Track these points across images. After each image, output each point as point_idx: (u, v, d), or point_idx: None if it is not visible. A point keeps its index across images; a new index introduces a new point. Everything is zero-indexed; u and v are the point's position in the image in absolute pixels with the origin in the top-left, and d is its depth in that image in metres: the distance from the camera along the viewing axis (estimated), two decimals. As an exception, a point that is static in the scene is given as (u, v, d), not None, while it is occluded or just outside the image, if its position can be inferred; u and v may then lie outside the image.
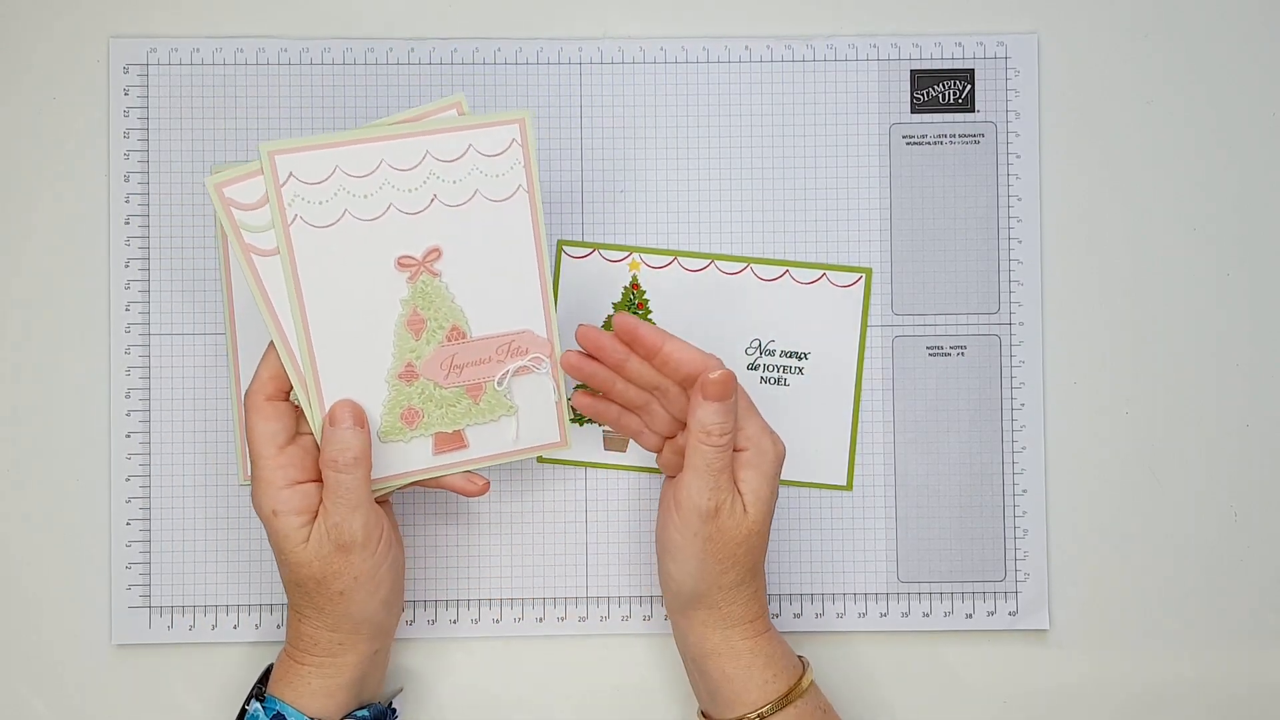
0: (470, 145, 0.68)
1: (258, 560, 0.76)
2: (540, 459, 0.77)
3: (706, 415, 0.67)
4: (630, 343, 0.69)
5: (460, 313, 0.69)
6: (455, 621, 0.77)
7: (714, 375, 0.66)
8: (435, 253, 0.68)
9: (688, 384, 0.68)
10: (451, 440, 0.70)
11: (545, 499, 0.77)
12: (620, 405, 0.72)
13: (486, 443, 0.70)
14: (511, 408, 0.70)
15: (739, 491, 0.68)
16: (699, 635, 0.70)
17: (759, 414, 0.70)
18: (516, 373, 0.70)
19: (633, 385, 0.70)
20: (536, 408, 0.71)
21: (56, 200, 0.77)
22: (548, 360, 0.70)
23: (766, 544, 0.70)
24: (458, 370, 0.69)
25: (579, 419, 0.77)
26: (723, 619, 0.69)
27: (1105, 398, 0.78)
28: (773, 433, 0.70)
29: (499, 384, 0.69)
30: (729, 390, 0.67)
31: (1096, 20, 0.79)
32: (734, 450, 0.69)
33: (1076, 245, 0.78)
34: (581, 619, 0.77)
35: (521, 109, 0.69)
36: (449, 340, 0.69)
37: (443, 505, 0.77)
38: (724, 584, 0.69)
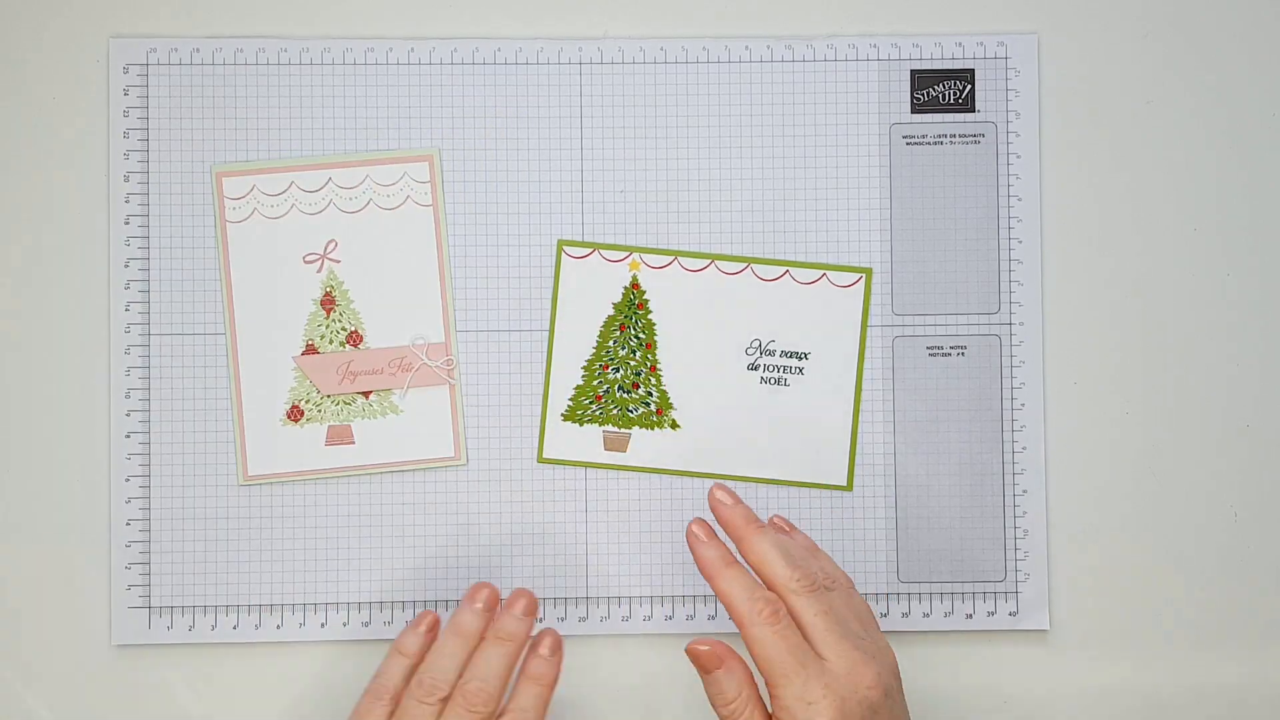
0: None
1: (258, 560, 0.76)
2: (541, 459, 0.77)
3: (707, 685, 0.65)
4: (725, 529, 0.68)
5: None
6: (455, 621, 0.77)
7: (696, 647, 0.64)
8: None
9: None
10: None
11: (545, 499, 0.77)
12: None
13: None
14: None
15: None
16: None
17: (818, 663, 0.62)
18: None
19: None
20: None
21: (56, 200, 0.77)
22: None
23: None
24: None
25: (580, 419, 0.77)
26: None
27: (1105, 398, 0.78)
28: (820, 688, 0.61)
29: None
30: (713, 662, 0.64)
31: (1096, 20, 0.79)
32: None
33: (1076, 245, 0.78)
34: (582, 619, 0.77)
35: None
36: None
37: (442, 505, 0.77)
38: None
